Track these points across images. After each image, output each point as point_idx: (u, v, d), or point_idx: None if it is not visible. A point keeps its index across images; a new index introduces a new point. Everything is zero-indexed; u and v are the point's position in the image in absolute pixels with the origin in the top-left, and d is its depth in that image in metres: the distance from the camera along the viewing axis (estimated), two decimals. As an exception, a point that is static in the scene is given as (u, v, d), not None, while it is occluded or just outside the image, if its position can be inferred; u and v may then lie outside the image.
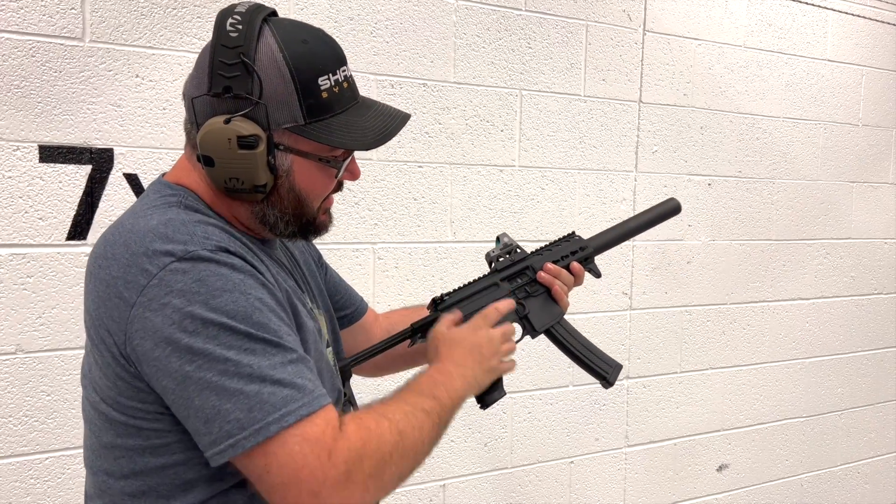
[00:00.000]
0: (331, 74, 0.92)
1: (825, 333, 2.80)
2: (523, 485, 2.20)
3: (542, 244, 1.24)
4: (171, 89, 1.64)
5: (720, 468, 2.57)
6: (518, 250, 1.19)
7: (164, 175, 0.99)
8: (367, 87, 1.88)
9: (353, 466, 0.83)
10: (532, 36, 2.11)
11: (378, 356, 1.13)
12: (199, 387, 0.80)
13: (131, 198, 1.61)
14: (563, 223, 2.18)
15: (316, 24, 0.98)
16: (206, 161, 0.90)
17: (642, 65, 2.31)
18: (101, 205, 1.59)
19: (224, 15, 0.90)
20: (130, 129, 1.61)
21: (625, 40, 2.27)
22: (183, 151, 0.98)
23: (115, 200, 1.60)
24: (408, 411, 0.91)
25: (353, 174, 1.02)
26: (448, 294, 1.14)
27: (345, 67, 0.95)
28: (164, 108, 1.64)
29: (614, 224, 1.31)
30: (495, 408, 1.07)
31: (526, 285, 1.18)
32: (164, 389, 0.83)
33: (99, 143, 1.58)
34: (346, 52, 0.96)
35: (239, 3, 0.92)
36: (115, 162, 1.60)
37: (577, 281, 1.23)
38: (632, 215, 1.35)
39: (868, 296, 2.90)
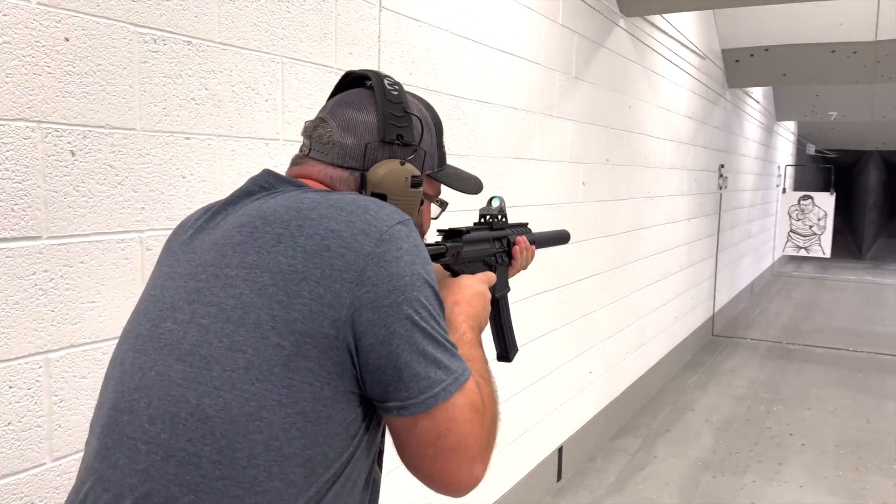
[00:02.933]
0: (443, 134, 1.17)
1: (503, 289, 3.24)
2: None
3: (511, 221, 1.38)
4: None
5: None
6: (503, 218, 1.32)
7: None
8: (128, 40, 1.52)
9: (490, 432, 0.91)
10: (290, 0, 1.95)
11: None
12: (423, 335, 0.85)
13: None
14: (325, 200, 2.10)
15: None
16: (379, 197, 1.00)
17: (380, 41, 2.32)
18: None
19: (379, 77, 1.06)
20: None
21: (366, 15, 2.25)
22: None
23: None
24: (485, 368, 1.00)
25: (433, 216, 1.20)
26: (470, 229, 1.26)
27: None
28: None
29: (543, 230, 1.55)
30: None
31: (501, 252, 1.32)
32: (381, 338, 0.83)
33: None
34: None
35: (376, 70, 1.09)
36: None
37: (527, 263, 1.37)
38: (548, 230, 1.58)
39: (526, 254, 3.45)
